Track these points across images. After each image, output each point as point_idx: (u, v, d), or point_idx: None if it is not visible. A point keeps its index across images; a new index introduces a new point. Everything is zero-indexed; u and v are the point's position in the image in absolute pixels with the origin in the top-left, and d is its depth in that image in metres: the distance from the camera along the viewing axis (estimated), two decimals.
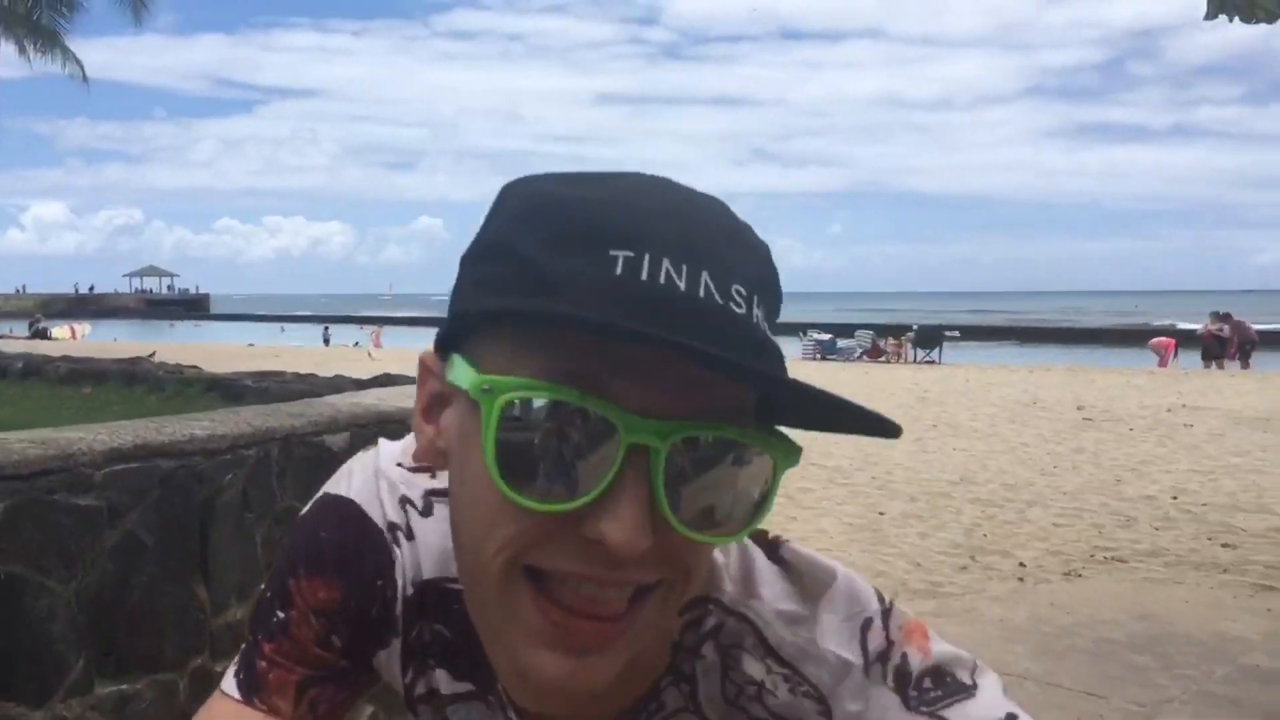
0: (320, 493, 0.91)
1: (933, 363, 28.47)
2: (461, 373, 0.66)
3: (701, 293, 0.62)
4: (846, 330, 34.78)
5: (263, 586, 0.92)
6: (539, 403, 0.61)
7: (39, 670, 2.78)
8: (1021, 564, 6.83)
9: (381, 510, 0.87)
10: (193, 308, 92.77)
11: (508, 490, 0.62)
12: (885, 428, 0.63)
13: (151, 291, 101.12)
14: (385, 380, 5.45)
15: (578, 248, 0.63)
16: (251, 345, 36.63)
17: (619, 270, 0.62)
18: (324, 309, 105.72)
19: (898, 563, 6.82)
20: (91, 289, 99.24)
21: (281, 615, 0.88)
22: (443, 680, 0.86)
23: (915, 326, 32.59)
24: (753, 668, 0.77)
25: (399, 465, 0.88)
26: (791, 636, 0.76)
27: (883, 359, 29.47)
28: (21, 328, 43.21)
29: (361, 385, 5.17)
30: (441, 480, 0.84)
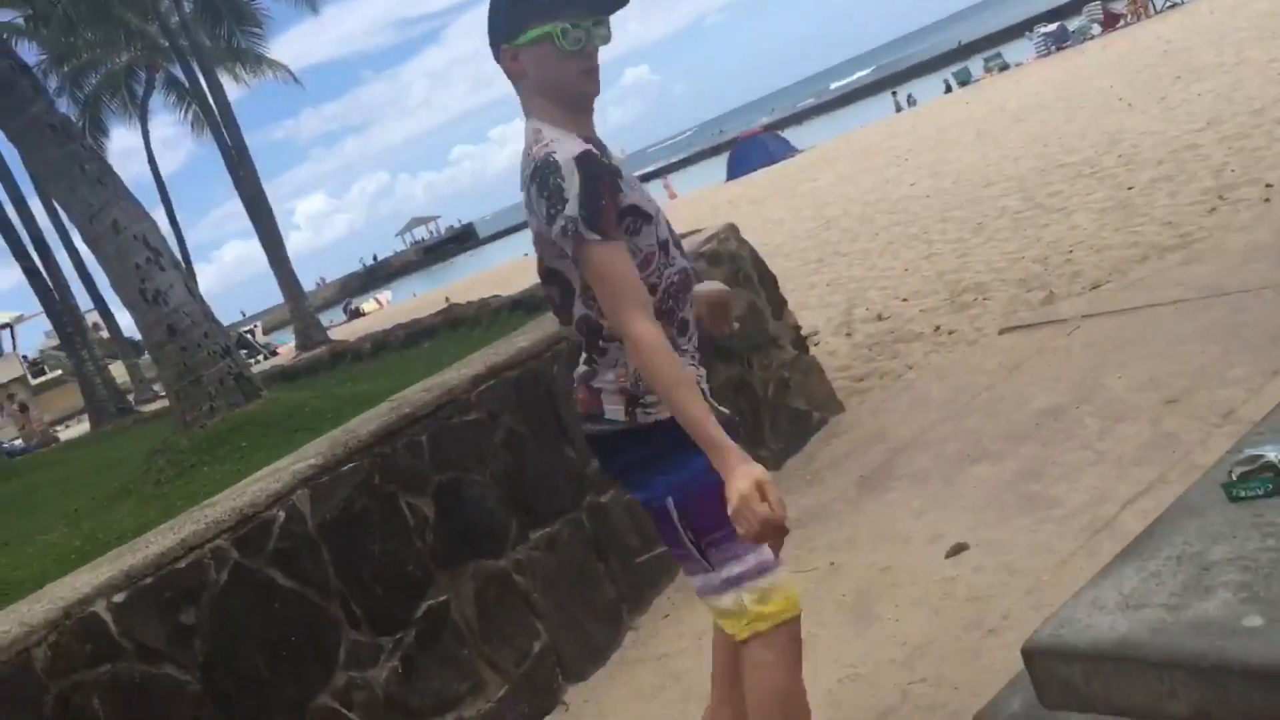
0: (559, 159, 2.10)
1: (1176, 5, 26.57)
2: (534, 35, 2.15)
3: None
4: (1076, 8, 32.77)
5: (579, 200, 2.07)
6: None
7: (489, 536, 3.99)
8: (1268, 184, 7.05)
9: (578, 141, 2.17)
10: (463, 241, 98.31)
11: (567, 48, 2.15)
12: None
13: (423, 240, 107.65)
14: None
15: None
16: (526, 255, 38.93)
17: None
18: None
19: (1148, 228, 7.20)
20: (375, 258, 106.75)
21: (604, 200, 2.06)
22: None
23: None
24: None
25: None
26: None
27: (1121, 24, 27.77)
28: (339, 315, 47.70)
29: None
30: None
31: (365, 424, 3.87)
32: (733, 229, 5.87)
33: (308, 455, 3.68)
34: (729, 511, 2.01)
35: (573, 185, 2.07)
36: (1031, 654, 1.50)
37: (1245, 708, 1.26)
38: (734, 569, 2.24)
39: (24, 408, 29.74)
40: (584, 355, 2.33)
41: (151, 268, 6.07)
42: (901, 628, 3.46)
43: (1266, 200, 6.75)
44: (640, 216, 2.20)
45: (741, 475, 1.99)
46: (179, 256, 6.78)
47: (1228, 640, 1.29)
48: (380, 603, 3.55)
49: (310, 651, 3.33)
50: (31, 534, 5.45)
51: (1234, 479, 1.58)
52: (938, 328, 6.90)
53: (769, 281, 5.82)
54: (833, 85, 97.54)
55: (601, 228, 2.08)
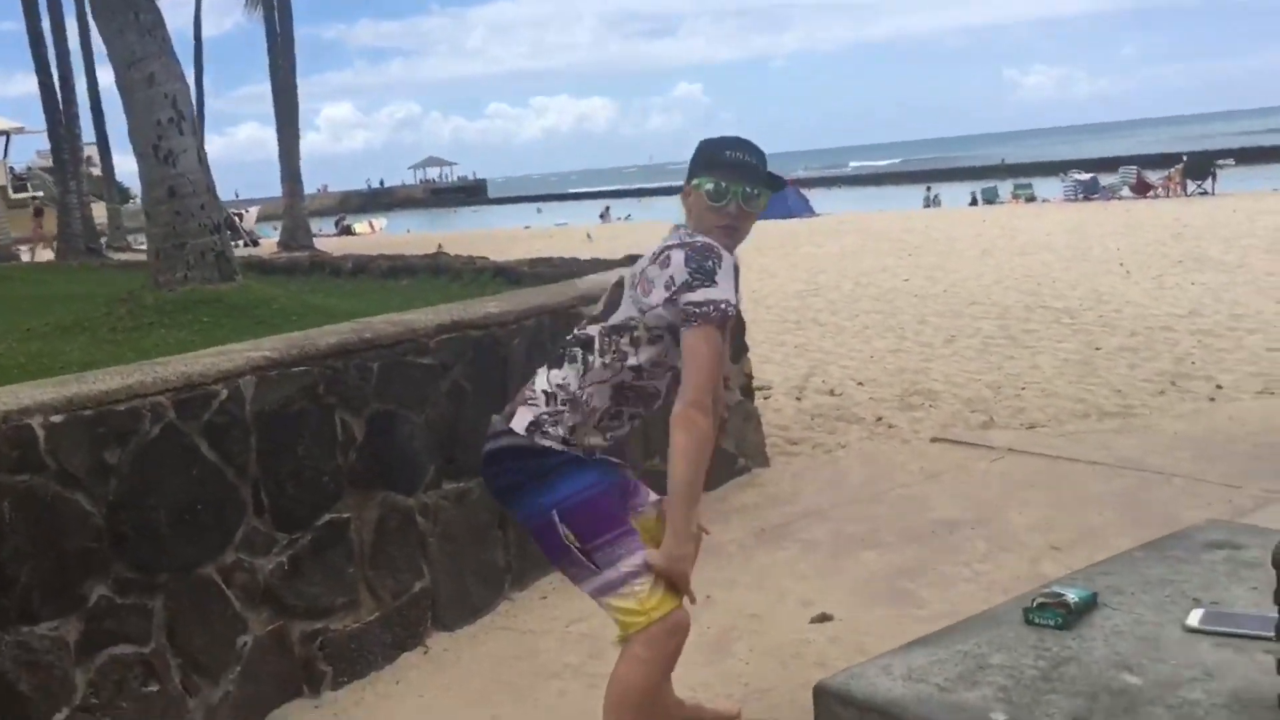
0: (723, 254, 2.61)
1: (1206, 194, 27.24)
2: (696, 182, 2.69)
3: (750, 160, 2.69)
4: (1111, 165, 33.44)
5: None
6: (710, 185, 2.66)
7: (406, 473, 4.20)
8: (1219, 386, 7.41)
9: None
10: (471, 194, 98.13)
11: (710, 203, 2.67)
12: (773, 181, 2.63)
13: (434, 181, 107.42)
14: (630, 260, 6.68)
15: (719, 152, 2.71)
16: (527, 228, 39.15)
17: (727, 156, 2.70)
18: (591, 183, 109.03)
19: (1099, 390, 7.54)
20: (382, 182, 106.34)
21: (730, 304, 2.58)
22: None
23: (1185, 156, 31.03)
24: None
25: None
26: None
27: (1152, 194, 28.41)
28: (329, 226, 47.59)
29: (611, 265, 6.41)
30: None
31: (325, 335, 4.08)
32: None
33: (263, 346, 3.88)
34: (655, 562, 2.57)
35: (728, 277, 2.56)
36: (819, 693, 1.75)
37: None
38: (617, 571, 2.59)
39: (39, 212, 29.54)
40: (546, 392, 2.72)
41: (171, 129, 6.25)
42: (748, 669, 3.72)
43: (1211, 399, 7.10)
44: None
45: (684, 558, 2.61)
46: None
47: None
48: (288, 501, 3.76)
49: (211, 523, 3.53)
50: None
51: (1033, 606, 1.84)
52: (880, 418, 7.18)
53: (737, 324, 6.07)
54: (852, 164, 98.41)
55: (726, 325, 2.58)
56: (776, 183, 2.78)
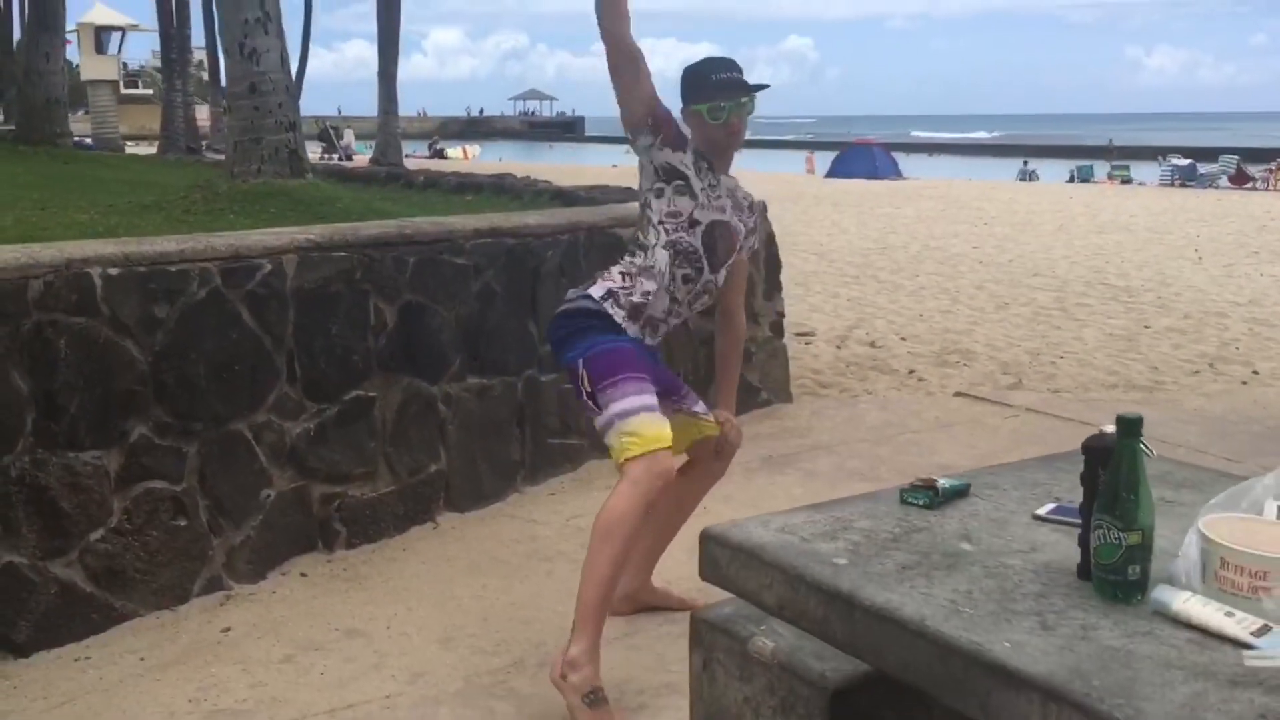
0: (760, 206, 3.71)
1: None
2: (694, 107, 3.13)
3: (735, 77, 3.14)
4: (1213, 155, 32.61)
5: None
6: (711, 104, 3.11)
7: (433, 363, 4.53)
8: (1255, 371, 7.44)
9: None
10: (568, 130, 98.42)
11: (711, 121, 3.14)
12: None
13: (533, 114, 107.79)
14: None
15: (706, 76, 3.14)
16: (615, 166, 39.24)
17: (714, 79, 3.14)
18: None
19: (1135, 366, 7.62)
20: (481, 111, 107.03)
21: None
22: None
23: None
24: None
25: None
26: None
27: (1250, 186, 27.68)
28: (422, 149, 48.20)
29: None
30: None
31: (368, 228, 4.41)
32: (762, 206, 6.31)
33: (310, 231, 4.22)
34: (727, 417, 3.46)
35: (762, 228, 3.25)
36: (704, 537, 2.02)
37: (807, 608, 1.77)
38: (615, 408, 2.96)
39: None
40: (622, 272, 3.18)
41: (258, 28, 6.60)
42: None
43: (1244, 383, 7.15)
44: (679, 176, 3.13)
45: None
46: (302, 29, 7.26)
47: (816, 565, 1.80)
48: (320, 373, 4.10)
49: (246, 383, 3.89)
50: (68, 210, 6.05)
51: (907, 487, 2.09)
52: (912, 371, 7.36)
53: (773, 264, 6.29)
54: (952, 134, 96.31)
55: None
56: (758, 86, 3.16)
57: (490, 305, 4.71)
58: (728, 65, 3.19)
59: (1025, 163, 41.17)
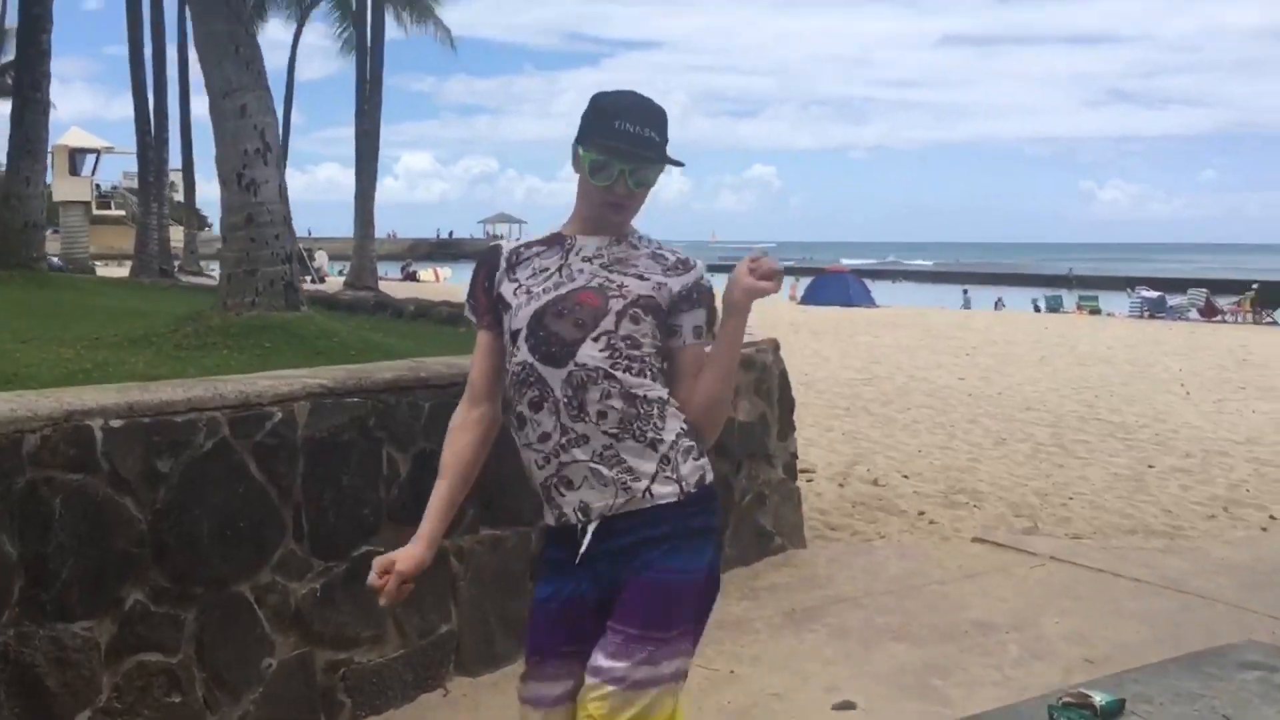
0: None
1: (1276, 324, 26.86)
2: (582, 152, 2.32)
3: (646, 133, 2.28)
4: (1181, 286, 33.17)
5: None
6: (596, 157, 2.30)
7: None
8: (1272, 516, 7.26)
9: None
10: None
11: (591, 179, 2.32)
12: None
13: (501, 237, 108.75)
14: None
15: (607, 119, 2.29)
16: None
17: (616, 126, 2.28)
18: None
19: (1148, 509, 7.41)
20: (450, 234, 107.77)
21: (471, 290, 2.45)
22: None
23: (1256, 284, 30.66)
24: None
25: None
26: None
27: (1219, 319, 28.08)
28: (395, 270, 48.32)
29: None
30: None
31: (382, 370, 4.16)
32: (774, 344, 6.15)
33: (321, 375, 3.97)
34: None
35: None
36: None
37: None
38: (673, 666, 2.23)
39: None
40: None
41: (257, 159, 6.44)
42: None
43: (1264, 529, 6.95)
44: (504, 306, 2.38)
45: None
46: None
47: None
48: (328, 529, 3.81)
49: (251, 542, 3.58)
50: (51, 344, 5.76)
51: (1058, 704, 1.82)
52: (922, 513, 7.12)
53: (786, 404, 6.09)
54: (904, 260, 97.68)
55: (475, 313, 2.49)
56: (673, 161, 2.36)
57: (505, 453, 4.44)
58: (643, 111, 2.32)
59: (965, 291, 41.71)
